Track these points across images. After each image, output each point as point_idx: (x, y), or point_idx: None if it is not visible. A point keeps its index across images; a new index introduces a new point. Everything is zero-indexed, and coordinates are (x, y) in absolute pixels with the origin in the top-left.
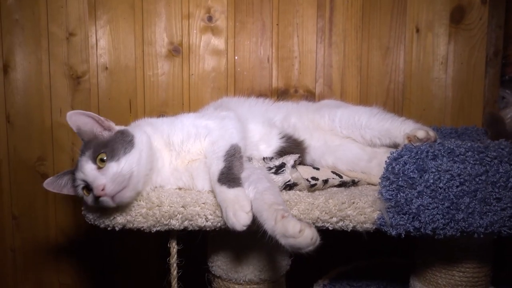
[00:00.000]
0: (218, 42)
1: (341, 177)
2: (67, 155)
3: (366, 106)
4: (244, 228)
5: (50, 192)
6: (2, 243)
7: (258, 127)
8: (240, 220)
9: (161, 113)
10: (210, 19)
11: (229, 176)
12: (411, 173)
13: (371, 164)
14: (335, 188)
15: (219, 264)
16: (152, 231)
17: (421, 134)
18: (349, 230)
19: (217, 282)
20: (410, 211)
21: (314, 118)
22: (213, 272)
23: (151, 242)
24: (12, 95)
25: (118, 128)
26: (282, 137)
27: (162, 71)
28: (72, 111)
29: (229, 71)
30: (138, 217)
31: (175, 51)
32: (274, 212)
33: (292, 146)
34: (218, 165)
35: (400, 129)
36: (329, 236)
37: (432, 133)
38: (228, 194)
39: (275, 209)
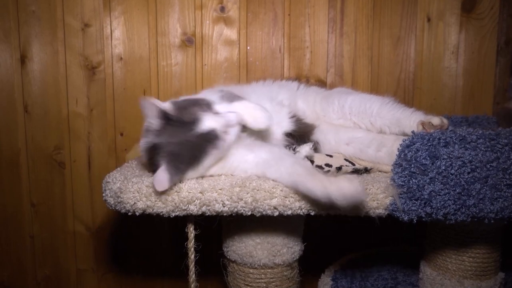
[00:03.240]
0: (230, 33)
1: (354, 164)
2: (83, 144)
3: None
4: None
5: (67, 180)
6: (21, 230)
7: (266, 105)
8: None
9: None
10: (222, 9)
11: None
12: (423, 160)
13: (381, 154)
14: (348, 175)
15: (234, 249)
16: (171, 216)
17: (436, 121)
18: (362, 216)
19: (232, 267)
20: (422, 197)
21: (321, 104)
22: (228, 256)
23: (168, 227)
24: (30, 86)
25: None
26: (292, 117)
27: (175, 62)
28: None
29: (241, 61)
30: (158, 202)
31: (188, 41)
32: (319, 178)
33: (302, 129)
34: None
35: (411, 119)
36: (341, 224)
37: (446, 121)
38: None
39: (317, 176)
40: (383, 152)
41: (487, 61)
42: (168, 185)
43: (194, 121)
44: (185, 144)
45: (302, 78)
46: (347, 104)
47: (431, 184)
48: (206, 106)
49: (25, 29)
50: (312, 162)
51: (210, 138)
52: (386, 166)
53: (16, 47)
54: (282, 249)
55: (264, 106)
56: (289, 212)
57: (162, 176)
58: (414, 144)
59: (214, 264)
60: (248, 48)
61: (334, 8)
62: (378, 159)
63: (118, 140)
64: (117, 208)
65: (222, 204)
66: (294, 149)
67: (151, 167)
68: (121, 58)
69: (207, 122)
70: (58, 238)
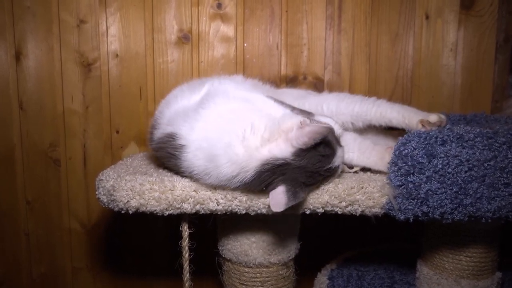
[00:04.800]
0: (227, 29)
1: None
2: (78, 141)
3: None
4: None
5: (62, 177)
6: (16, 227)
7: None
8: None
9: None
10: (219, 6)
11: None
12: (419, 158)
13: None
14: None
15: (229, 248)
16: (165, 215)
17: (433, 118)
18: (357, 215)
19: (227, 266)
20: (419, 196)
21: None
22: (223, 255)
23: (163, 225)
24: (25, 82)
25: None
26: None
27: (172, 58)
28: None
29: (238, 58)
30: (151, 200)
31: (185, 38)
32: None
33: None
34: None
35: (377, 111)
36: (337, 223)
37: (443, 116)
38: None
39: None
40: None
41: (486, 58)
42: (284, 208)
43: (330, 155)
44: (313, 174)
45: (300, 75)
46: (305, 108)
47: (428, 183)
48: (337, 140)
49: (20, 25)
50: None
51: (333, 173)
52: None
53: (11, 43)
54: (278, 248)
55: None
56: None
57: (281, 199)
58: (410, 142)
59: (209, 263)
60: (245, 45)
61: (332, 4)
62: None
63: (114, 137)
64: (110, 206)
65: (217, 203)
66: None
67: (263, 182)
68: (117, 55)
69: (337, 161)
70: (54, 236)
